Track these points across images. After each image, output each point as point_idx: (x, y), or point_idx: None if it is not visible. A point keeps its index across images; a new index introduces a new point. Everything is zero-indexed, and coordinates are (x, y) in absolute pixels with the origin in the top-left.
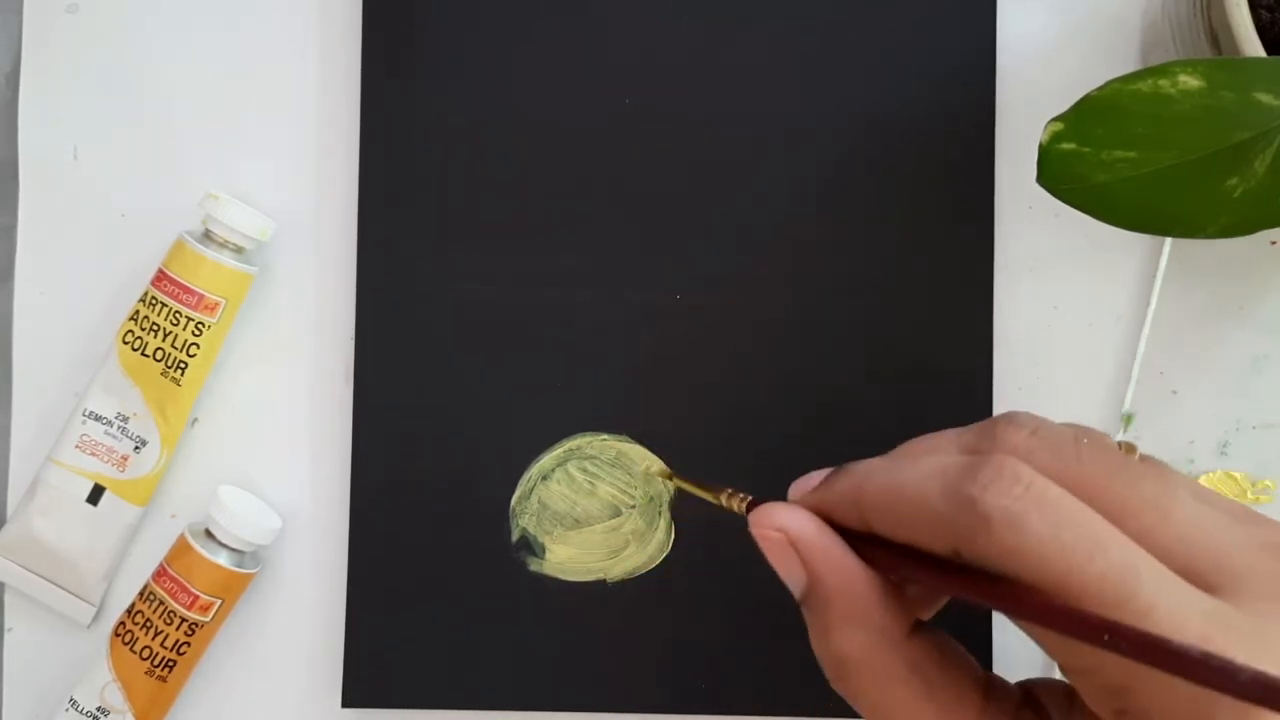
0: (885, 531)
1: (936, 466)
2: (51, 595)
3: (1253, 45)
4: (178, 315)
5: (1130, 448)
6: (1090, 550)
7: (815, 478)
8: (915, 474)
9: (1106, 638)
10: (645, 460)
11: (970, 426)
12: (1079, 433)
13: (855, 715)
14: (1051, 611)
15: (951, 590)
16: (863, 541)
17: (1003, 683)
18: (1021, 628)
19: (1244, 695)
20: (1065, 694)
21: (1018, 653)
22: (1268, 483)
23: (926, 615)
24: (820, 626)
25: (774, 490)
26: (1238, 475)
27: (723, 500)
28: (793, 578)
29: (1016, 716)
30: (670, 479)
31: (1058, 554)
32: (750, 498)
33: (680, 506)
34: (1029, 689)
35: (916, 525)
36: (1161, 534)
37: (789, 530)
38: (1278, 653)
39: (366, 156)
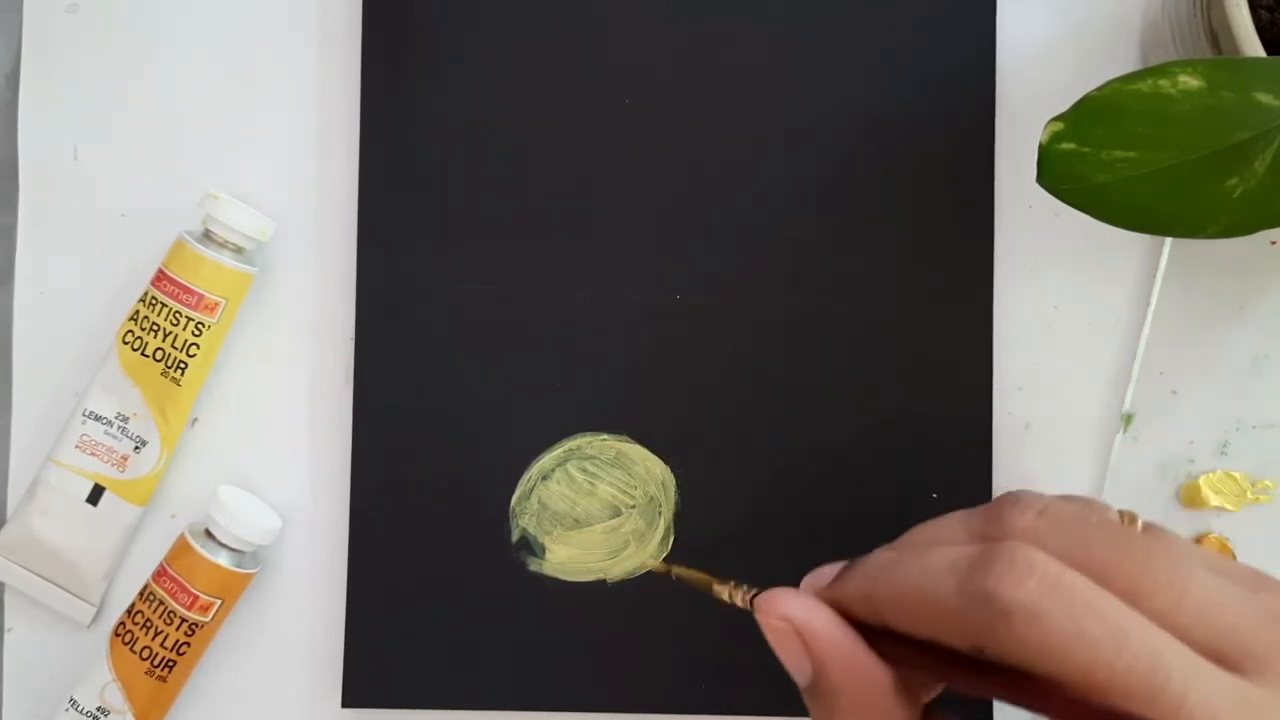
0: (904, 629)
1: (947, 561)
2: (51, 595)
3: (1253, 45)
4: (178, 315)
5: (1132, 517)
6: (1116, 641)
7: (828, 573)
8: (926, 570)
9: None
10: (645, 460)
11: (976, 510)
12: (1085, 510)
13: None
14: (1087, 712)
15: (978, 690)
16: (881, 636)
17: None
18: None
19: None
20: None
21: None
22: (1268, 483)
23: (928, 696)
24: (824, 716)
25: (776, 493)
26: (1238, 475)
27: (725, 595)
28: (797, 667)
29: None
30: (669, 572)
31: (1082, 647)
32: (755, 590)
33: (680, 507)
34: None
35: (934, 623)
36: (1179, 614)
37: (795, 620)
38: None
39: (366, 156)
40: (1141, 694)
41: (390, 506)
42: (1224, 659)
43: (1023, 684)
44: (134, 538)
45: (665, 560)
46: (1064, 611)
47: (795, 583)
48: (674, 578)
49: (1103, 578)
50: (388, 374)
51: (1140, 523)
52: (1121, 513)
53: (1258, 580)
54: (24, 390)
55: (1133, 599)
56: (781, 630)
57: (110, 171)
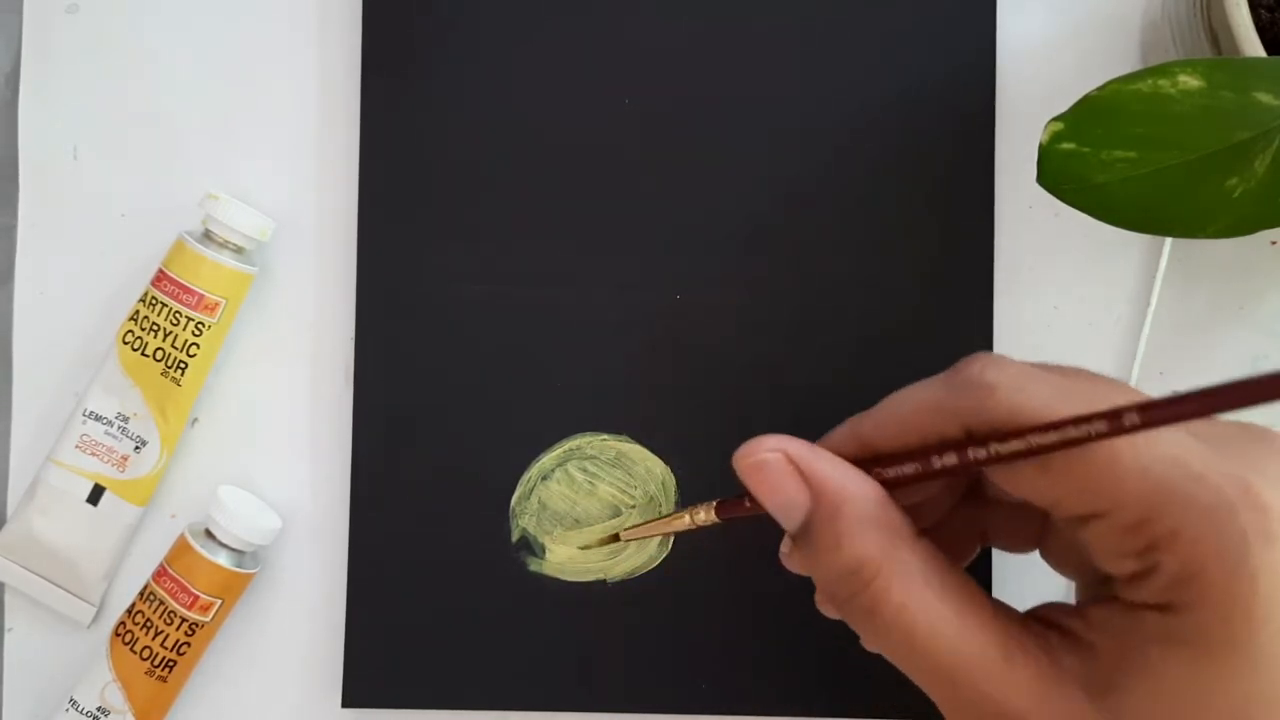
0: (890, 442)
1: (928, 381)
2: (51, 595)
3: (1253, 45)
4: (178, 315)
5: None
6: (1087, 395)
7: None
8: (911, 392)
9: (1137, 418)
10: (645, 460)
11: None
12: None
13: (855, 715)
14: (1063, 426)
15: (960, 466)
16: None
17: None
18: (1031, 495)
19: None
20: (1069, 609)
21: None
22: None
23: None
24: (830, 541)
25: None
26: None
27: (687, 518)
28: (793, 500)
29: (1024, 623)
30: (620, 538)
31: (1061, 399)
32: (715, 500)
33: (680, 507)
34: (1034, 610)
35: (923, 424)
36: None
37: (787, 449)
38: (1266, 478)
39: (366, 156)
40: (1125, 438)
41: (390, 506)
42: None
43: (1002, 440)
44: (134, 538)
45: (613, 537)
46: (1045, 384)
47: (795, 581)
48: (626, 540)
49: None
50: (388, 374)
51: None
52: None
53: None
54: (24, 390)
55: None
56: (773, 462)
57: (110, 171)
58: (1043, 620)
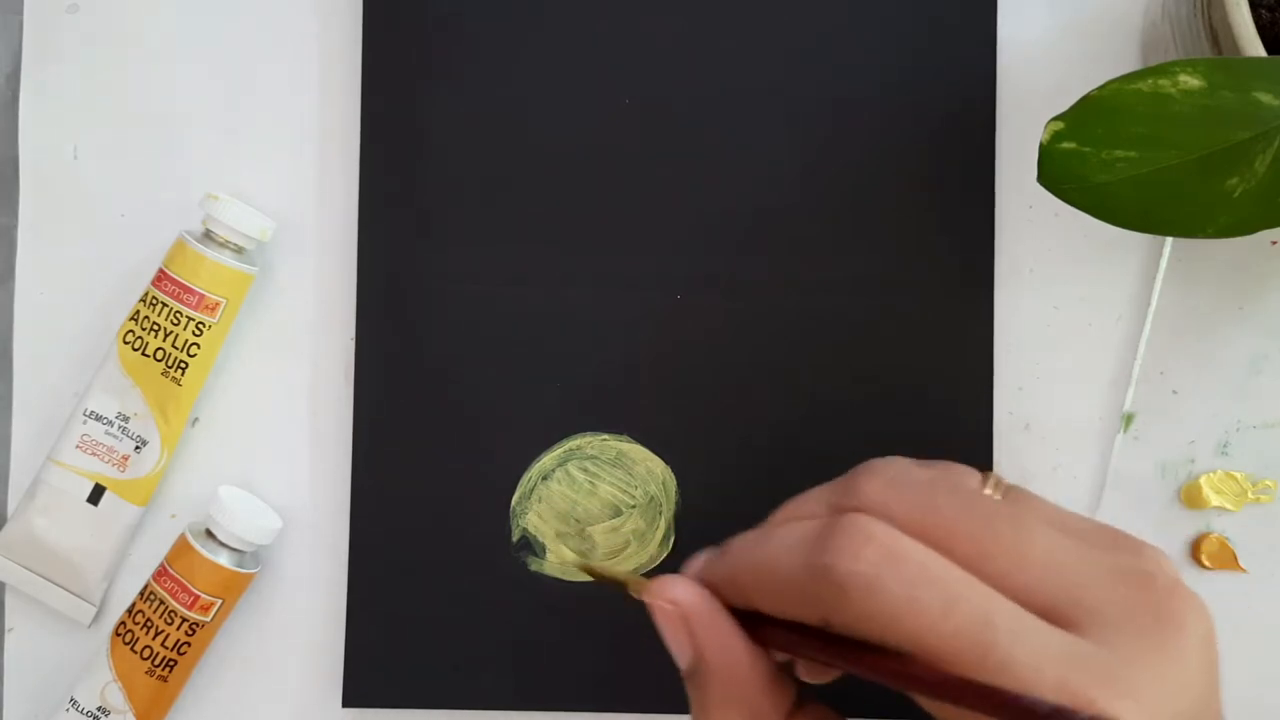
0: (764, 608)
1: (798, 534)
2: (52, 595)
3: (1253, 45)
4: (178, 315)
5: (996, 480)
6: (945, 607)
7: (704, 558)
8: (779, 546)
9: (969, 698)
10: (645, 460)
11: (835, 481)
12: (937, 476)
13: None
14: (938, 682)
15: (837, 664)
16: (753, 620)
17: None
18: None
19: None
20: None
21: None
22: (1268, 483)
23: (826, 679)
24: (700, 703)
25: (776, 493)
26: (1238, 475)
27: (632, 591)
28: (680, 651)
29: None
30: (583, 569)
31: (912, 614)
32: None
33: (681, 507)
34: None
35: (786, 599)
36: (1019, 575)
37: (682, 603)
38: (1131, 687)
39: (366, 156)
40: (971, 657)
41: (390, 506)
42: (1060, 617)
43: (877, 660)
44: (134, 538)
45: (583, 563)
46: (897, 581)
47: None
48: (594, 577)
49: (946, 543)
50: (388, 374)
51: (1001, 485)
52: (985, 475)
53: (1114, 540)
54: (24, 390)
55: (975, 562)
56: (668, 613)
57: (110, 171)
58: None
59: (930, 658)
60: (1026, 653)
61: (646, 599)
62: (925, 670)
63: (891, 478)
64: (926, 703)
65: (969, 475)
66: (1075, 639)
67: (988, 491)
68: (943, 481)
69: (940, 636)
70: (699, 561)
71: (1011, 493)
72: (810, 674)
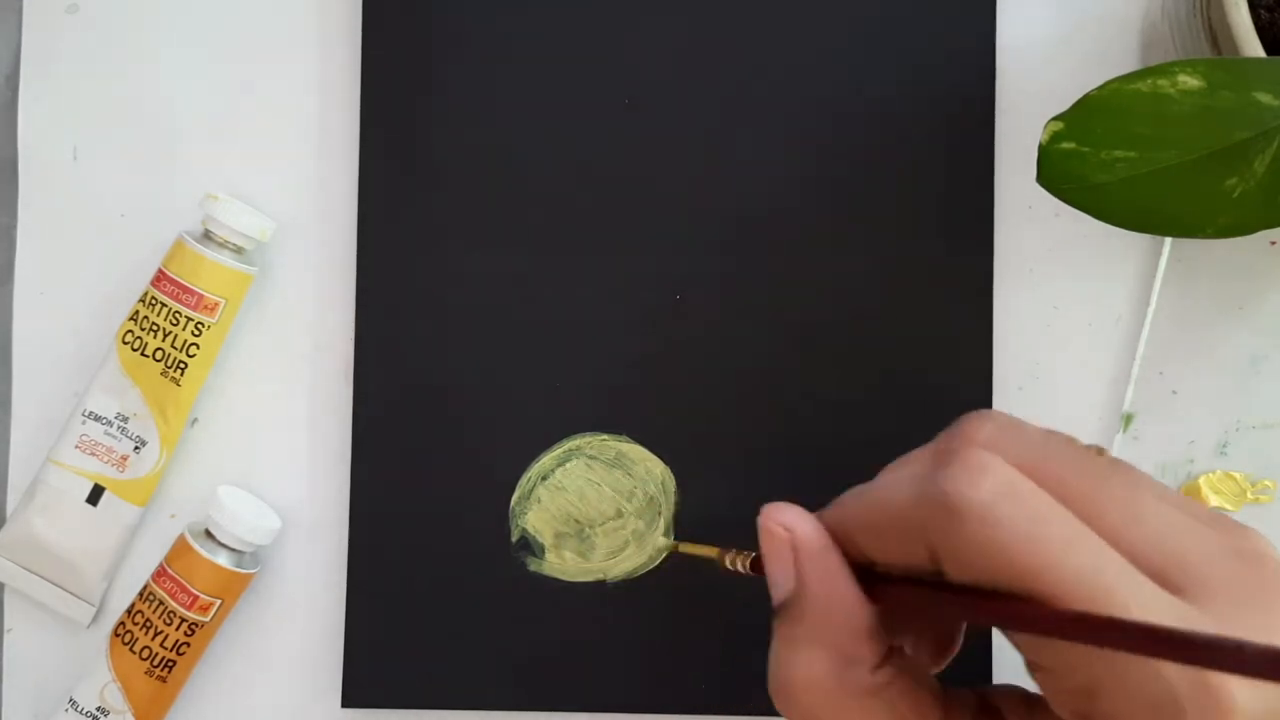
0: (871, 551)
1: (909, 471)
2: (51, 595)
3: (1252, 45)
4: (177, 315)
5: (1100, 449)
6: (1064, 546)
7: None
8: (889, 483)
9: (1117, 636)
10: (645, 460)
11: (938, 436)
12: (1048, 430)
13: None
14: (1049, 619)
15: (938, 610)
16: (863, 575)
17: (958, 693)
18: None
19: (1249, 671)
20: (1022, 699)
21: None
22: (1268, 483)
23: (939, 666)
24: (788, 636)
25: (776, 494)
26: (1237, 475)
27: (726, 561)
28: (781, 579)
29: None
30: (676, 549)
31: (1031, 550)
32: (754, 554)
33: (680, 507)
34: (985, 696)
35: (895, 534)
36: (1130, 534)
37: (796, 530)
38: None
39: (366, 157)
40: (1085, 599)
41: (390, 506)
42: (1169, 582)
43: (993, 603)
44: (134, 538)
45: (674, 544)
46: (1015, 514)
47: None
48: (681, 554)
49: (1059, 492)
50: (388, 374)
51: (1106, 454)
52: (1089, 446)
53: (1214, 518)
54: (23, 390)
55: (1086, 516)
56: (779, 537)
57: (110, 171)
58: (992, 707)
59: (1042, 596)
60: (1140, 605)
61: (761, 522)
62: (1042, 608)
63: (1003, 424)
64: (1024, 645)
65: (1075, 438)
66: (1184, 603)
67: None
68: (1056, 435)
69: (1060, 574)
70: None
71: (1118, 461)
72: (924, 655)
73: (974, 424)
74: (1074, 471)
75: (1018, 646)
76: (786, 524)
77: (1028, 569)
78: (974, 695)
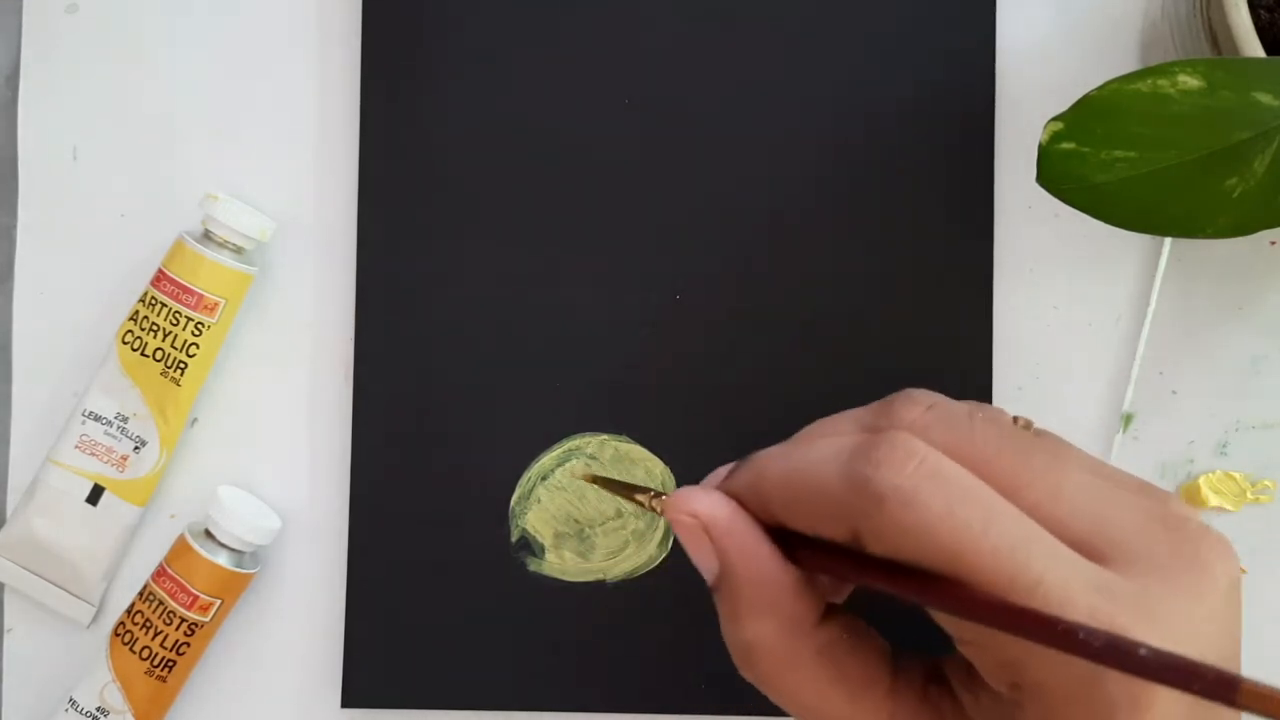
0: (788, 520)
1: (832, 448)
2: (51, 595)
3: (1252, 45)
4: (177, 315)
5: (1027, 423)
6: (983, 525)
7: (723, 471)
8: (812, 458)
9: (1029, 626)
10: (645, 460)
11: (869, 406)
12: (973, 408)
13: None
14: (955, 599)
15: (859, 580)
16: (778, 537)
17: (909, 658)
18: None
19: (1141, 673)
20: (967, 667)
21: None
22: (1267, 483)
23: (839, 599)
24: (730, 613)
25: None
26: (1237, 475)
27: (644, 502)
28: (705, 564)
29: (924, 691)
30: (591, 481)
31: (950, 530)
32: (661, 493)
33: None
34: (935, 662)
35: (815, 510)
36: (1053, 507)
37: (702, 515)
38: (1160, 621)
39: (366, 156)
40: (1004, 577)
41: (390, 507)
42: (1093, 551)
43: (906, 579)
44: (133, 538)
45: (590, 475)
46: (936, 497)
47: None
48: (594, 483)
49: (983, 471)
50: (388, 374)
51: (1033, 426)
52: (1016, 418)
53: (1141, 486)
54: (23, 390)
55: (1010, 492)
56: (689, 525)
57: (110, 171)
58: (940, 675)
59: (963, 576)
60: (1059, 579)
61: (668, 515)
62: (957, 590)
63: (930, 405)
64: (947, 622)
65: (1003, 412)
66: (1107, 571)
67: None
68: (980, 413)
69: (976, 554)
70: (720, 473)
71: (1044, 433)
72: (827, 590)
73: (902, 405)
74: (998, 448)
75: (942, 623)
76: (692, 511)
77: (949, 550)
78: (924, 662)
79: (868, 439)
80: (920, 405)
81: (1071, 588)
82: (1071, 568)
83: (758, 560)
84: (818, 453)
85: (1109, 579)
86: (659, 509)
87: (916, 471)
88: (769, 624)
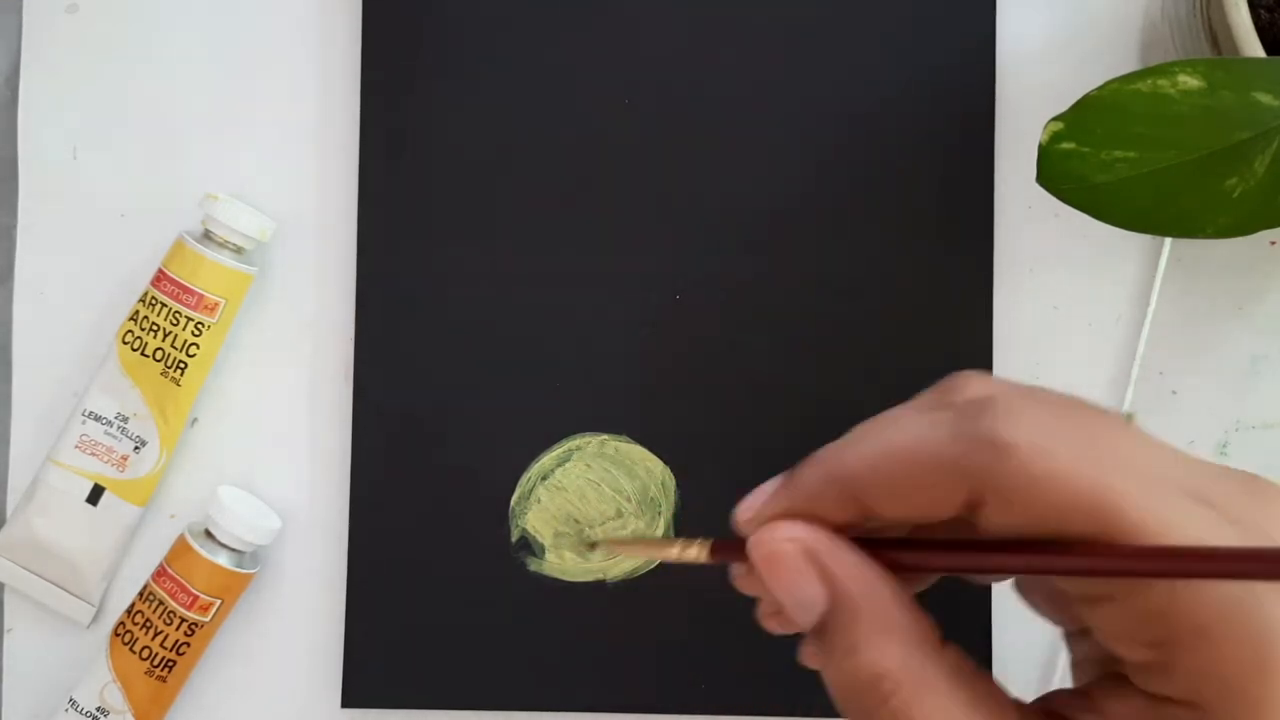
0: (884, 504)
1: (928, 420)
2: (51, 595)
3: (1252, 45)
4: (177, 315)
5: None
6: (1115, 469)
7: (767, 488)
8: (909, 432)
9: (1198, 564)
10: (645, 460)
11: (924, 393)
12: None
13: None
14: (1097, 557)
15: (973, 567)
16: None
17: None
18: (1026, 580)
19: None
20: (1080, 695)
21: (1015, 657)
22: None
23: (921, 586)
24: (848, 646)
25: None
26: None
27: (675, 552)
28: (809, 598)
29: (1047, 716)
30: (608, 544)
31: (1088, 470)
32: (710, 539)
33: (680, 507)
34: (1046, 702)
35: (922, 482)
36: (1153, 462)
37: (805, 540)
38: (1268, 533)
39: (366, 156)
40: (1151, 517)
41: (390, 506)
42: (1200, 500)
43: (1033, 551)
44: (134, 538)
45: (606, 539)
46: (1065, 443)
47: None
48: (616, 550)
49: (1084, 433)
50: (388, 374)
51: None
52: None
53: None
54: (24, 390)
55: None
56: (790, 555)
57: (110, 171)
58: (1059, 715)
59: (1099, 523)
60: (1188, 517)
61: (753, 552)
62: (1097, 548)
63: (999, 379)
64: (1073, 586)
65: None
66: (1219, 514)
67: None
68: (1038, 387)
69: (1123, 497)
70: (766, 490)
71: (1124, 417)
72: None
73: (969, 382)
74: (1084, 417)
75: (1079, 592)
76: (789, 536)
77: (1087, 495)
78: (1037, 704)
79: (975, 401)
80: (986, 379)
81: (1203, 526)
82: (1201, 513)
83: (871, 580)
84: (912, 426)
85: (1221, 520)
86: (700, 556)
87: (1038, 423)
88: (896, 647)
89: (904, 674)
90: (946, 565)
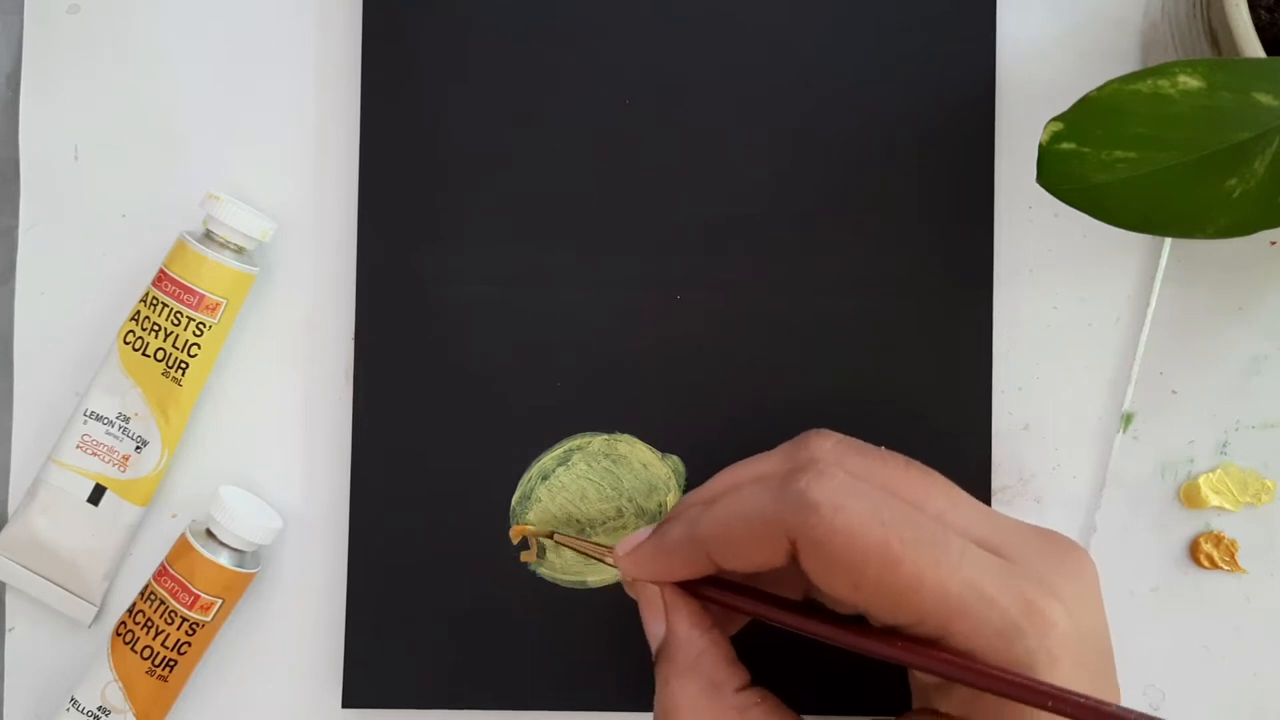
0: (725, 557)
1: (761, 481)
2: (53, 595)
3: (1252, 46)
4: (179, 315)
5: (908, 462)
6: (904, 523)
7: (640, 535)
8: (744, 492)
9: (971, 676)
10: (644, 459)
11: (779, 447)
12: (870, 445)
13: (849, 713)
14: (892, 647)
15: (795, 626)
16: (699, 586)
17: None
18: (844, 601)
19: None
20: None
21: None
22: (1268, 483)
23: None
24: (662, 678)
25: None
26: (1237, 475)
27: (607, 560)
28: (655, 632)
29: None
30: (551, 536)
31: (879, 528)
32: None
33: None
34: None
35: (753, 536)
36: (954, 517)
37: (661, 584)
38: (1056, 591)
39: (366, 156)
40: (929, 559)
41: (390, 506)
42: (992, 549)
43: (840, 629)
44: (135, 537)
45: (549, 532)
46: (862, 502)
47: None
48: (556, 542)
49: (890, 490)
50: (388, 374)
51: (918, 465)
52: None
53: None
54: (25, 390)
55: (916, 505)
56: (651, 593)
57: (111, 171)
58: None
59: (890, 563)
60: (976, 564)
61: (629, 588)
62: (879, 638)
63: (838, 440)
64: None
65: (897, 454)
66: (1007, 561)
67: None
68: (877, 449)
69: (903, 543)
70: (642, 534)
71: (931, 470)
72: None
73: (814, 440)
74: (903, 472)
75: (877, 622)
76: (654, 580)
77: (878, 541)
78: None
79: (795, 466)
80: (829, 440)
81: (987, 573)
82: (984, 557)
83: (692, 630)
84: (747, 489)
85: (1011, 567)
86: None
87: (841, 485)
88: (694, 683)
89: (696, 708)
90: (751, 610)
